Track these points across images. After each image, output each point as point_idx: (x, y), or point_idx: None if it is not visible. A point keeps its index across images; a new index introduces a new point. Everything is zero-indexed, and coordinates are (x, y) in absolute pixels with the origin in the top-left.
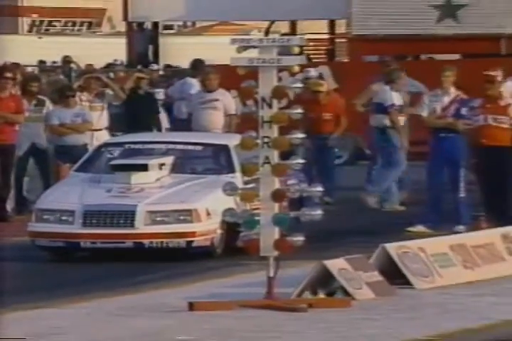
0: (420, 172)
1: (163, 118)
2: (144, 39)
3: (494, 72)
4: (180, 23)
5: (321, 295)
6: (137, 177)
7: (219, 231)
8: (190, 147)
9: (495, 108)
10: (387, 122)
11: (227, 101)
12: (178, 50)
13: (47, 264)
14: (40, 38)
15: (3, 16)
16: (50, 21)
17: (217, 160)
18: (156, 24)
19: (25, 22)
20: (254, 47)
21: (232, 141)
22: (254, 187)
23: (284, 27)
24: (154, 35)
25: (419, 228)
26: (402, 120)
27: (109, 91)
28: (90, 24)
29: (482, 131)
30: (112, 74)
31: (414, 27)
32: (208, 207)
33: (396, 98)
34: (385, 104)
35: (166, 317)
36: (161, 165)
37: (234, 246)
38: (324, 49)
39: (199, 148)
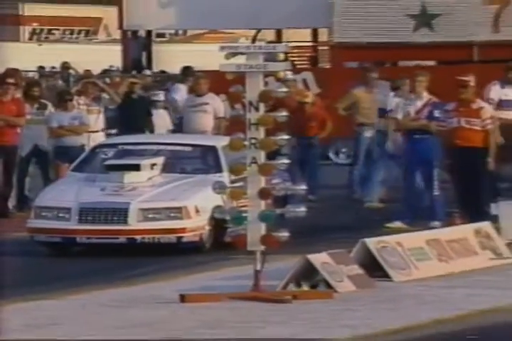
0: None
1: (166, 119)
2: (138, 46)
3: (467, 78)
4: (172, 32)
5: (305, 288)
6: (130, 177)
7: (207, 228)
8: (179, 148)
9: (468, 111)
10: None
11: (216, 104)
12: (170, 57)
13: (45, 258)
14: (40, 45)
15: (6, 25)
16: (50, 29)
17: (206, 160)
18: (149, 32)
19: (26, 30)
20: (242, 53)
21: (220, 142)
22: (242, 185)
23: (270, 35)
24: (148, 43)
25: (397, 224)
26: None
27: (105, 96)
28: (87, 32)
29: (456, 133)
30: (107, 80)
31: (392, 35)
32: (197, 204)
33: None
34: (387, 109)
35: (158, 309)
36: (153, 165)
37: (222, 241)
38: (308, 56)
39: (188, 149)
